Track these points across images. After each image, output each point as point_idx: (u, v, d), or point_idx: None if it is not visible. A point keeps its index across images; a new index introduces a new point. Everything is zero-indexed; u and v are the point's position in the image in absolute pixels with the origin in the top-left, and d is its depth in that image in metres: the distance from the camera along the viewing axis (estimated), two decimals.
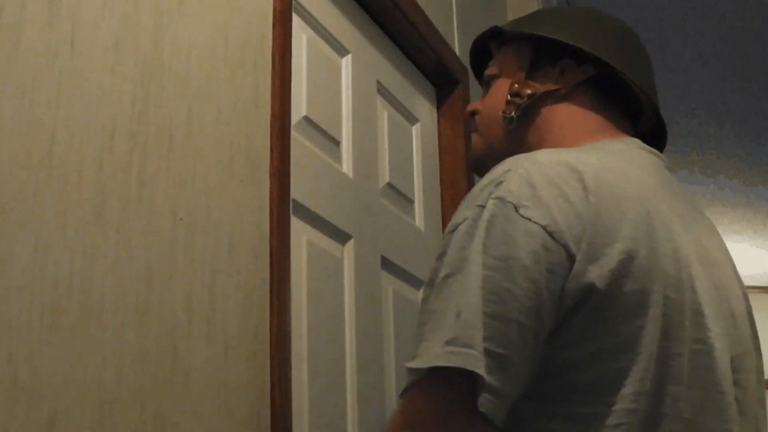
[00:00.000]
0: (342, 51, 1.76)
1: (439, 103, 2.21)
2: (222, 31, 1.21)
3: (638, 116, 1.27)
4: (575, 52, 1.24)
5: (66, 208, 0.89)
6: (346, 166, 1.71)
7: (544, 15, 1.31)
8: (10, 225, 0.82)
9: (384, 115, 1.92)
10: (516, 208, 0.95)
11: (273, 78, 1.32)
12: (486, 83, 1.31)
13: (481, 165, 1.31)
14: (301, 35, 1.60)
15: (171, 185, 1.07)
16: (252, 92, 1.26)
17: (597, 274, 0.94)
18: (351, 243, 1.64)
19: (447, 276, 0.93)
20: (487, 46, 1.37)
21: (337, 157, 1.69)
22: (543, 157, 1.02)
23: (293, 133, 1.48)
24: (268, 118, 1.30)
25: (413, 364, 0.90)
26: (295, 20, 1.58)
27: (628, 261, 0.96)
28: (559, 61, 1.23)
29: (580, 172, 1.00)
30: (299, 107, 1.55)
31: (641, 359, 0.95)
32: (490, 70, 1.30)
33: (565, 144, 1.17)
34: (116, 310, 0.94)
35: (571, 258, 0.94)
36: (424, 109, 2.14)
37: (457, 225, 0.98)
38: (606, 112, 1.23)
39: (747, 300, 1.13)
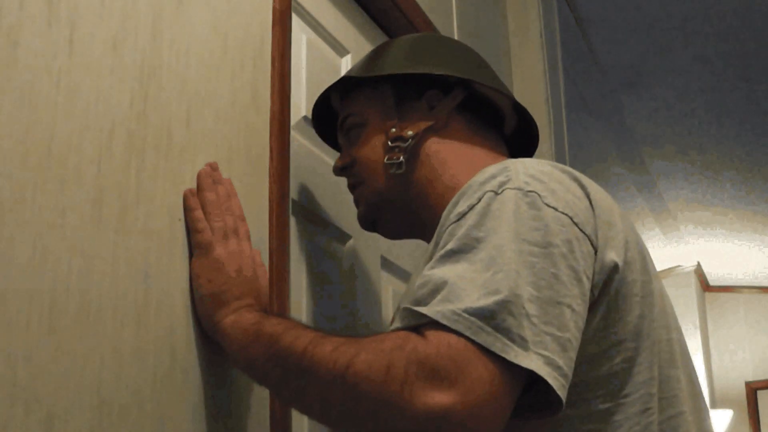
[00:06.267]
0: (342, 51, 1.76)
1: None
2: (221, 31, 1.21)
3: (501, 122, 1.26)
4: (437, 81, 1.21)
5: (64, 209, 0.89)
6: None
7: (391, 51, 1.26)
8: (8, 225, 0.82)
9: None
10: (541, 197, 0.91)
11: (272, 78, 1.32)
12: (346, 134, 1.28)
13: (374, 217, 1.28)
14: (300, 35, 1.60)
15: (169, 185, 1.07)
16: (251, 92, 1.26)
17: (615, 265, 0.94)
18: (351, 243, 1.64)
19: (494, 271, 0.84)
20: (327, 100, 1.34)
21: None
22: (527, 161, 1.00)
23: (293, 133, 1.48)
24: (268, 118, 1.30)
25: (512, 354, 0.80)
26: (295, 20, 1.58)
27: (628, 251, 0.96)
28: (424, 94, 1.21)
29: (569, 171, 0.99)
30: (299, 107, 1.55)
31: (647, 346, 0.95)
32: (352, 119, 1.26)
33: (465, 172, 1.12)
34: (115, 311, 0.94)
35: (594, 249, 0.93)
36: None
37: (463, 214, 0.91)
38: (483, 131, 1.22)
39: None
